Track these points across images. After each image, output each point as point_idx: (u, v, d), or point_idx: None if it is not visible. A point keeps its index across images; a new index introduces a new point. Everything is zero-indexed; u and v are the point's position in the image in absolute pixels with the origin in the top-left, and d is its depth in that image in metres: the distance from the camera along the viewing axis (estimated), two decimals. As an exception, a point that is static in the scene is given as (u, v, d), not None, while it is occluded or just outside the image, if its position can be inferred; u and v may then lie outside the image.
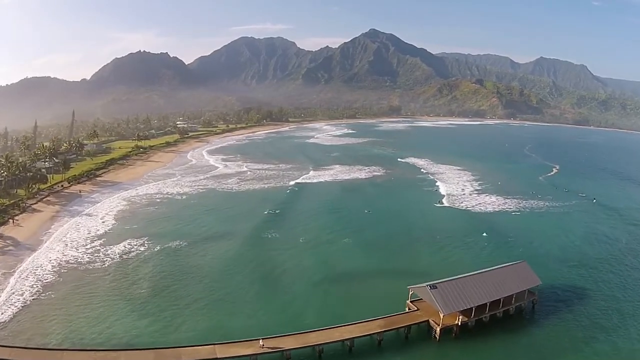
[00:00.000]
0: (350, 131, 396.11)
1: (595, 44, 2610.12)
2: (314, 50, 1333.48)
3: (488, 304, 61.25)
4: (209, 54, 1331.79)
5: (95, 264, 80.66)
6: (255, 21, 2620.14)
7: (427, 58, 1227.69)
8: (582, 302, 71.38)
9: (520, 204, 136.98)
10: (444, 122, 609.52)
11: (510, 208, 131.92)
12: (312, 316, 63.99)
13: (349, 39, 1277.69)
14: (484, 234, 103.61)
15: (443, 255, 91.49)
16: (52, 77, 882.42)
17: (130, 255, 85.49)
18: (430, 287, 58.97)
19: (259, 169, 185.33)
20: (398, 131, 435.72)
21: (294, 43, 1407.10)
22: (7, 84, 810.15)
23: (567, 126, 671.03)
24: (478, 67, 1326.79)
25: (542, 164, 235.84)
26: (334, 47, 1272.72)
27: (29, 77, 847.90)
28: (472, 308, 59.73)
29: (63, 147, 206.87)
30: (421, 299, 63.24)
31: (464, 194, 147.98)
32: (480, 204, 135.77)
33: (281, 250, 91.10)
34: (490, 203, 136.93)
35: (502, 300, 63.00)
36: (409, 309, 62.98)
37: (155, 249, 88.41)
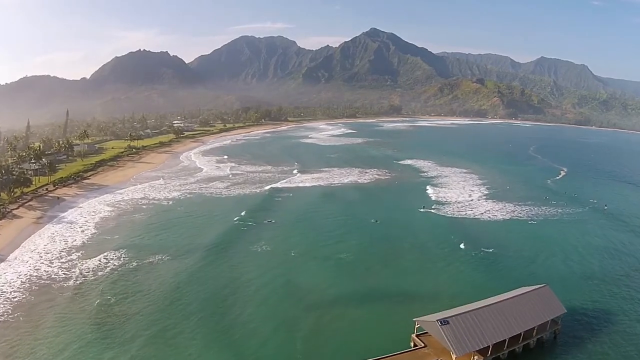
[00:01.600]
0: (350, 131, 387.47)
1: (595, 43, 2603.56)
2: (314, 49, 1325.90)
3: (507, 339, 52.67)
4: (209, 52, 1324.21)
5: (68, 282, 73.24)
6: (256, 20, 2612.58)
7: (427, 57, 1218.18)
8: (606, 331, 62.73)
9: (531, 211, 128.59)
10: (445, 121, 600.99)
11: (521, 216, 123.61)
12: (301, 355, 54.92)
13: (350, 38, 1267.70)
14: (496, 250, 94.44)
15: (453, 275, 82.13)
16: (51, 75, 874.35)
17: (105, 271, 77.67)
18: (440, 322, 49.83)
19: (251, 172, 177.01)
20: (399, 131, 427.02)
21: (295, 42, 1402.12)
22: (6, 83, 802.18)
23: (569, 126, 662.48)
24: (479, 67, 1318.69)
25: (549, 166, 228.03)
26: (334, 46, 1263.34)
27: (28, 75, 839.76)
28: (489, 346, 51.05)
29: (53, 148, 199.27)
30: (428, 332, 54.54)
31: (471, 200, 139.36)
32: (488, 210, 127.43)
33: (271, 266, 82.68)
34: (499, 210, 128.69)
35: (522, 333, 54.38)
36: (415, 344, 54.12)
37: (132, 265, 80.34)
